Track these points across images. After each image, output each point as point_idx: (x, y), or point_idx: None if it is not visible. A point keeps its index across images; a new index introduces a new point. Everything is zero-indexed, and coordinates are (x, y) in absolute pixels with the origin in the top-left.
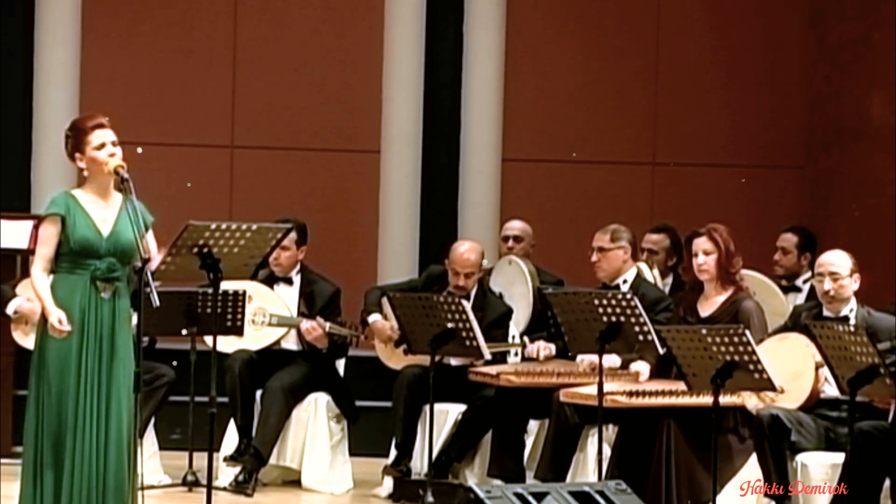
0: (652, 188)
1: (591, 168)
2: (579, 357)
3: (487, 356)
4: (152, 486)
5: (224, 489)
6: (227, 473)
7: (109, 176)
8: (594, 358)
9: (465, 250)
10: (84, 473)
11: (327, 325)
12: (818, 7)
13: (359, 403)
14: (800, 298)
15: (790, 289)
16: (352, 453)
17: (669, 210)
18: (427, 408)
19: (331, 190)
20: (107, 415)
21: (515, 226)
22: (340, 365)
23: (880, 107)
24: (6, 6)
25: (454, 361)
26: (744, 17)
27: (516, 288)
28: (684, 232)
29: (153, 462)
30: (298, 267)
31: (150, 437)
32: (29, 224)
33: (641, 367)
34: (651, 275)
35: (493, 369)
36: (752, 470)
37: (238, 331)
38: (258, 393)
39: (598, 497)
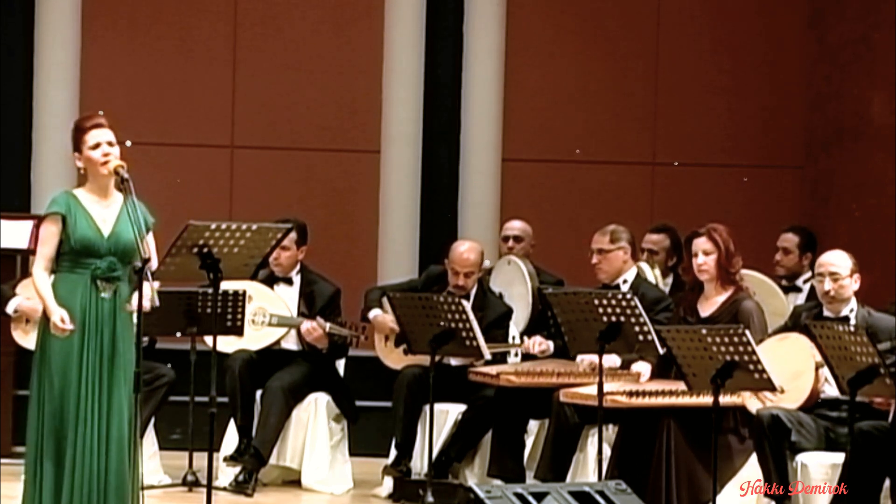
0: (652, 188)
1: (591, 168)
2: (579, 357)
3: (487, 356)
4: (152, 486)
5: (224, 489)
6: (227, 473)
7: (109, 176)
8: (594, 358)
9: (464, 250)
10: (85, 472)
11: (327, 325)
12: (818, 7)
13: (359, 403)
14: (800, 298)
15: (790, 289)
16: (352, 453)
17: (669, 210)
18: (427, 408)
19: (331, 190)
20: (108, 414)
21: (515, 226)
22: (340, 365)
23: (880, 107)
24: (6, 6)
25: (454, 361)
26: (744, 18)
27: (516, 288)
28: (684, 232)
29: (153, 462)
30: (298, 267)
31: (150, 437)
32: (29, 224)
33: (643, 368)
34: (653, 275)
35: (493, 369)
36: (752, 470)
37: (238, 331)
38: (258, 393)
39: (598, 497)
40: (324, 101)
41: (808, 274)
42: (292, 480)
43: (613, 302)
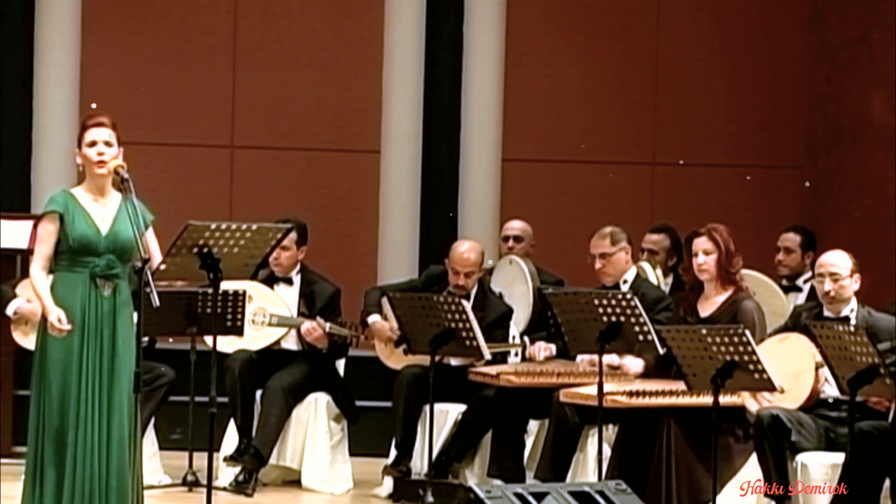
0: (652, 188)
1: (591, 168)
2: (579, 357)
3: (487, 356)
4: (152, 486)
5: (224, 489)
6: (227, 473)
7: (106, 175)
8: (593, 357)
9: (465, 250)
10: (86, 472)
11: (327, 325)
12: (818, 7)
13: (359, 403)
14: (800, 298)
15: (791, 289)
16: (352, 453)
17: (669, 210)
18: (427, 408)
19: (331, 190)
20: (108, 413)
21: (515, 226)
22: (340, 365)
23: (880, 107)
24: (6, 6)
25: (454, 361)
26: (744, 18)
27: (517, 288)
28: (684, 232)
29: (153, 462)
30: (298, 267)
31: (150, 437)
32: (29, 224)
33: (631, 363)
34: (654, 275)
35: (493, 369)
36: (752, 470)
37: (238, 331)
38: (258, 393)
39: (598, 497)
40: (324, 101)
41: (809, 274)
42: (292, 480)
43: (613, 302)
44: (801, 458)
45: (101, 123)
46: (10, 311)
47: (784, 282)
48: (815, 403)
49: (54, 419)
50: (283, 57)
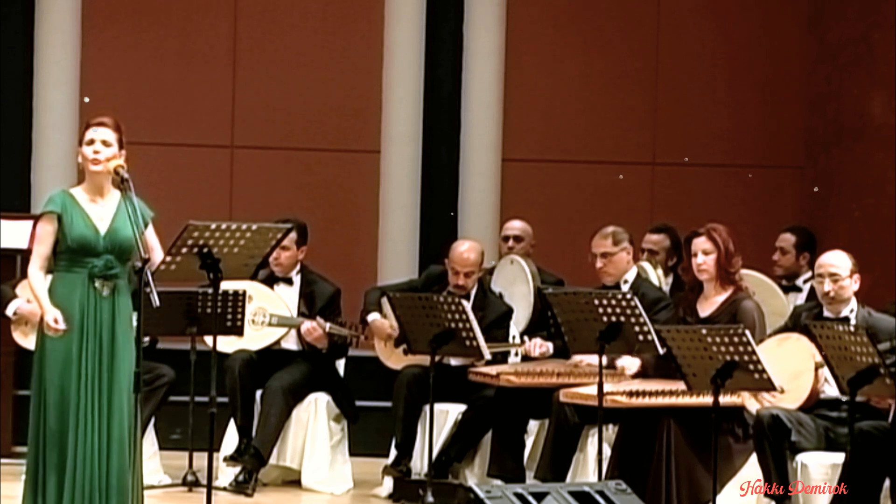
0: (652, 188)
1: (591, 168)
2: (577, 357)
3: (487, 356)
4: (152, 486)
5: (224, 489)
6: (227, 473)
7: (103, 174)
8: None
9: (464, 250)
10: (86, 472)
11: (327, 325)
12: (818, 7)
13: (359, 403)
14: (800, 298)
15: (790, 289)
16: (352, 453)
17: (669, 210)
18: (427, 408)
19: (331, 190)
20: (108, 413)
21: (515, 226)
22: (340, 365)
23: (880, 107)
24: (6, 6)
25: (454, 361)
26: (744, 18)
27: (517, 287)
28: (684, 232)
29: (153, 462)
30: (298, 267)
31: (150, 437)
32: (29, 224)
33: (628, 362)
34: (655, 275)
35: (493, 369)
36: (752, 470)
37: (238, 331)
38: (258, 393)
39: (598, 497)
40: (324, 101)
41: (808, 274)
42: (292, 480)
43: (613, 302)
44: (801, 458)
45: (103, 123)
46: (9, 311)
47: (783, 282)
48: (815, 403)
49: (53, 420)
50: (283, 57)
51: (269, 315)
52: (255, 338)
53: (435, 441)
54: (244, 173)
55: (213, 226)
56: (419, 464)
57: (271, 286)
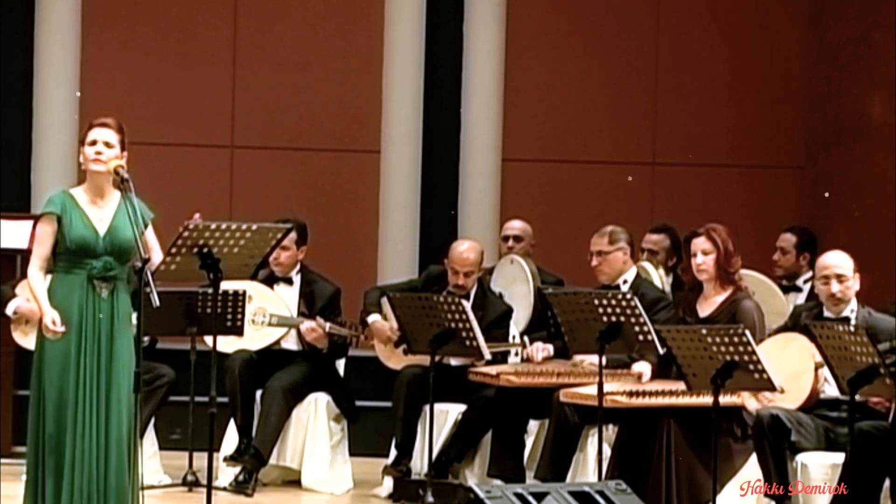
0: (652, 188)
1: (591, 168)
2: (579, 357)
3: (487, 356)
4: (152, 486)
5: (224, 489)
6: (227, 473)
7: (104, 175)
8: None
9: (464, 249)
10: (85, 473)
11: (327, 325)
12: (818, 7)
13: (359, 403)
14: (800, 298)
15: (790, 289)
16: (352, 453)
17: (669, 210)
18: (427, 408)
19: (331, 190)
20: (107, 414)
21: (515, 226)
22: (340, 365)
23: (880, 107)
24: (6, 6)
25: (454, 361)
26: (744, 17)
27: (517, 287)
28: (684, 232)
29: (153, 462)
30: (298, 267)
31: (150, 437)
32: (29, 224)
33: (643, 368)
34: (657, 275)
35: (493, 369)
36: (752, 470)
37: (238, 331)
38: (258, 393)
39: (598, 497)
40: (324, 101)
41: (809, 274)
42: (292, 480)
43: (613, 302)
44: (801, 458)
45: (105, 124)
46: (9, 310)
47: (783, 282)
48: (815, 403)
49: (52, 420)
50: (283, 57)
51: (269, 315)
52: (255, 338)
53: (435, 441)
54: (244, 173)
55: (213, 226)
56: (419, 464)
57: (271, 286)
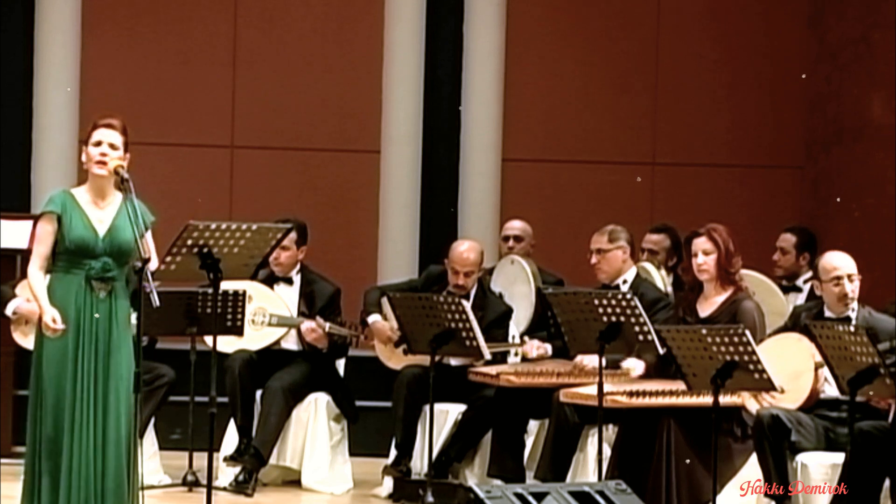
0: (652, 188)
1: (591, 168)
2: (579, 357)
3: (487, 356)
4: (152, 486)
5: (224, 489)
6: (227, 473)
7: (106, 176)
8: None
9: (464, 249)
10: (82, 474)
11: (327, 325)
12: (818, 7)
13: (359, 403)
14: (800, 298)
15: (790, 289)
16: (352, 453)
17: (669, 210)
18: (427, 408)
19: (331, 190)
20: (104, 415)
21: (515, 226)
22: (340, 365)
23: (880, 107)
24: (6, 6)
25: (454, 361)
26: (744, 17)
27: (518, 287)
28: (684, 232)
29: (153, 462)
30: (298, 267)
31: (150, 437)
32: (29, 224)
33: (633, 364)
34: (658, 276)
35: (493, 369)
36: (752, 470)
37: (238, 331)
38: (258, 393)
39: (598, 497)
40: (324, 101)
41: (809, 274)
42: (292, 480)
43: (613, 302)
44: (801, 458)
45: (111, 125)
46: (9, 310)
47: (783, 282)
48: (815, 403)
49: (49, 420)
50: (283, 57)
51: (269, 315)
52: (255, 338)
53: (435, 441)
54: (244, 173)
55: (213, 226)
56: (419, 464)
57: (271, 286)
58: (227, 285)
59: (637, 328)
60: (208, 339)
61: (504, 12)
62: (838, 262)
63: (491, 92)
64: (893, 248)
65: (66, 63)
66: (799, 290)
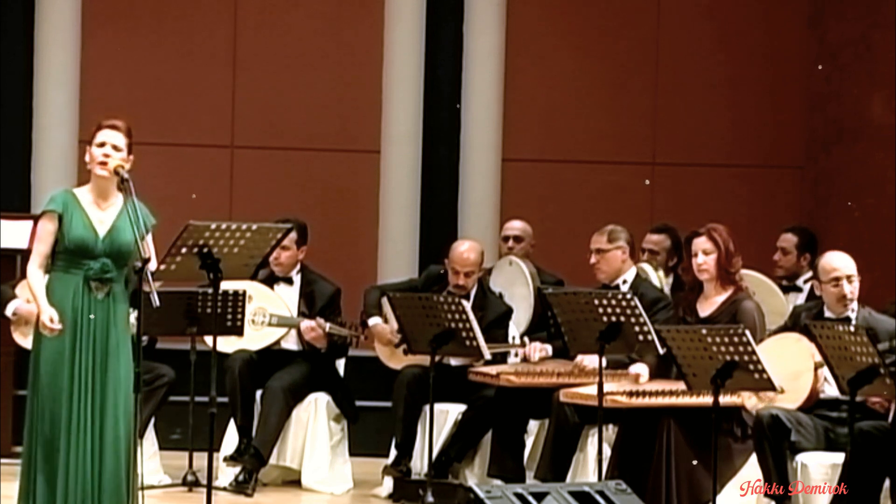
0: (652, 188)
1: (591, 168)
2: (580, 357)
3: (487, 356)
4: (152, 486)
5: (224, 489)
6: (227, 473)
7: (108, 178)
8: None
9: (465, 250)
10: (78, 475)
11: (327, 325)
12: (818, 7)
13: (359, 403)
14: (800, 298)
15: (790, 289)
16: (352, 453)
17: (669, 210)
18: (427, 408)
19: (331, 190)
20: (101, 417)
21: (515, 226)
22: (340, 365)
23: (880, 107)
24: (6, 6)
25: (454, 361)
26: (744, 17)
27: (517, 289)
28: (684, 232)
29: (153, 462)
30: (298, 267)
31: (150, 437)
32: (29, 224)
33: (641, 370)
34: (656, 277)
35: (493, 369)
36: (752, 470)
37: (238, 331)
38: (258, 393)
39: (598, 497)
40: (324, 101)
41: (809, 274)
42: (292, 480)
43: (613, 302)
44: (801, 458)
45: (115, 127)
46: (9, 311)
47: (783, 282)
48: (815, 403)
49: (47, 421)
50: (283, 57)
51: (269, 315)
52: (255, 338)
53: (435, 441)
54: (244, 173)
55: (213, 226)
56: (419, 464)
57: (271, 286)
58: (227, 285)
59: (637, 328)
60: (208, 339)
61: (504, 12)
62: (837, 262)
63: (491, 92)
64: (893, 248)
65: (66, 63)
66: (799, 290)
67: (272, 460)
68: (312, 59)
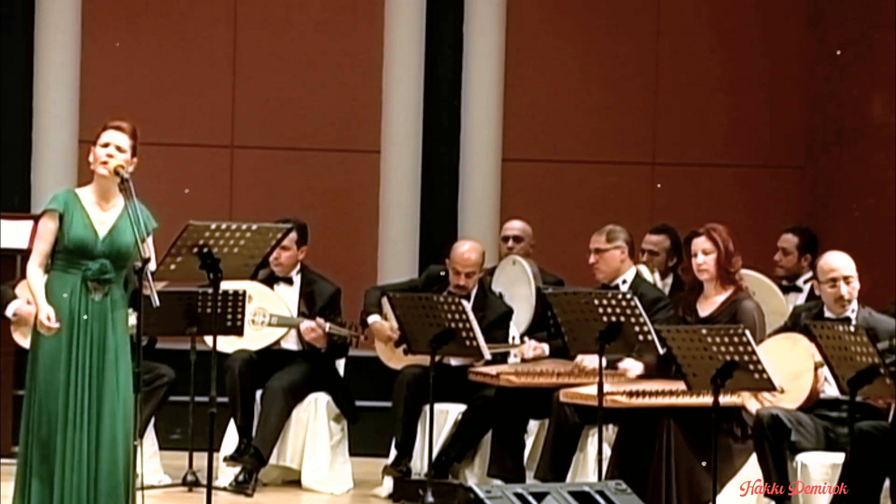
0: (652, 188)
1: (591, 168)
2: (580, 357)
3: (487, 356)
4: (152, 486)
5: (224, 489)
6: (227, 473)
7: (110, 178)
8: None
9: (465, 250)
10: (74, 475)
11: (327, 325)
12: (818, 7)
13: (359, 403)
14: (800, 298)
15: (790, 289)
16: (352, 453)
17: (669, 210)
18: (427, 408)
19: (331, 190)
20: (98, 417)
21: (515, 226)
22: (340, 365)
23: (880, 107)
24: (6, 6)
25: (454, 361)
26: (744, 17)
27: (518, 288)
28: (684, 232)
29: (153, 462)
30: (298, 267)
31: (150, 437)
32: (29, 224)
33: (630, 365)
34: (651, 278)
35: (493, 369)
36: (752, 470)
37: (238, 331)
38: (258, 393)
39: (598, 497)
40: (324, 101)
41: (809, 274)
42: (292, 480)
43: (613, 302)
44: (801, 458)
45: (120, 128)
46: (9, 312)
47: (784, 282)
48: (815, 403)
49: (43, 421)
50: (283, 57)
51: (269, 315)
52: (255, 338)
53: (435, 441)
54: (244, 173)
55: (213, 226)
56: (419, 464)
57: (271, 286)
58: (227, 285)
59: (637, 328)
60: (208, 339)
61: (504, 12)
62: (836, 263)
63: (491, 92)
64: (893, 248)
65: (66, 63)
66: (799, 290)
67: (272, 460)
68: (312, 59)
